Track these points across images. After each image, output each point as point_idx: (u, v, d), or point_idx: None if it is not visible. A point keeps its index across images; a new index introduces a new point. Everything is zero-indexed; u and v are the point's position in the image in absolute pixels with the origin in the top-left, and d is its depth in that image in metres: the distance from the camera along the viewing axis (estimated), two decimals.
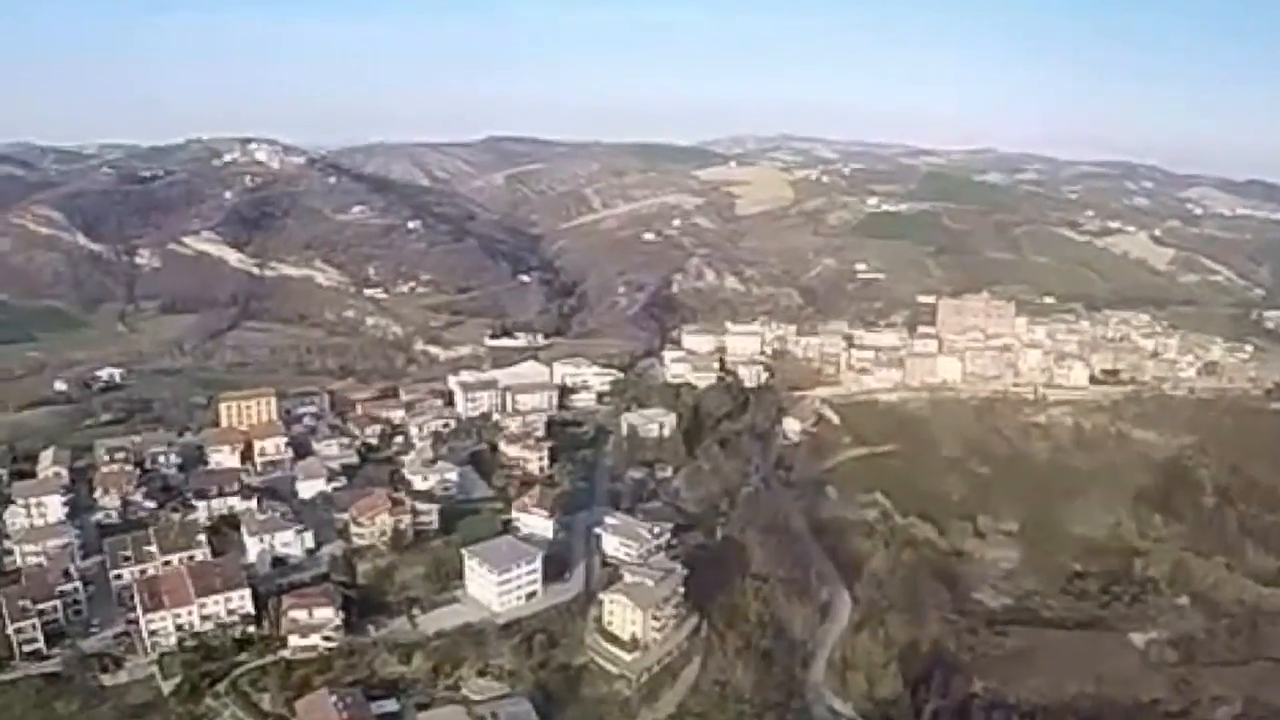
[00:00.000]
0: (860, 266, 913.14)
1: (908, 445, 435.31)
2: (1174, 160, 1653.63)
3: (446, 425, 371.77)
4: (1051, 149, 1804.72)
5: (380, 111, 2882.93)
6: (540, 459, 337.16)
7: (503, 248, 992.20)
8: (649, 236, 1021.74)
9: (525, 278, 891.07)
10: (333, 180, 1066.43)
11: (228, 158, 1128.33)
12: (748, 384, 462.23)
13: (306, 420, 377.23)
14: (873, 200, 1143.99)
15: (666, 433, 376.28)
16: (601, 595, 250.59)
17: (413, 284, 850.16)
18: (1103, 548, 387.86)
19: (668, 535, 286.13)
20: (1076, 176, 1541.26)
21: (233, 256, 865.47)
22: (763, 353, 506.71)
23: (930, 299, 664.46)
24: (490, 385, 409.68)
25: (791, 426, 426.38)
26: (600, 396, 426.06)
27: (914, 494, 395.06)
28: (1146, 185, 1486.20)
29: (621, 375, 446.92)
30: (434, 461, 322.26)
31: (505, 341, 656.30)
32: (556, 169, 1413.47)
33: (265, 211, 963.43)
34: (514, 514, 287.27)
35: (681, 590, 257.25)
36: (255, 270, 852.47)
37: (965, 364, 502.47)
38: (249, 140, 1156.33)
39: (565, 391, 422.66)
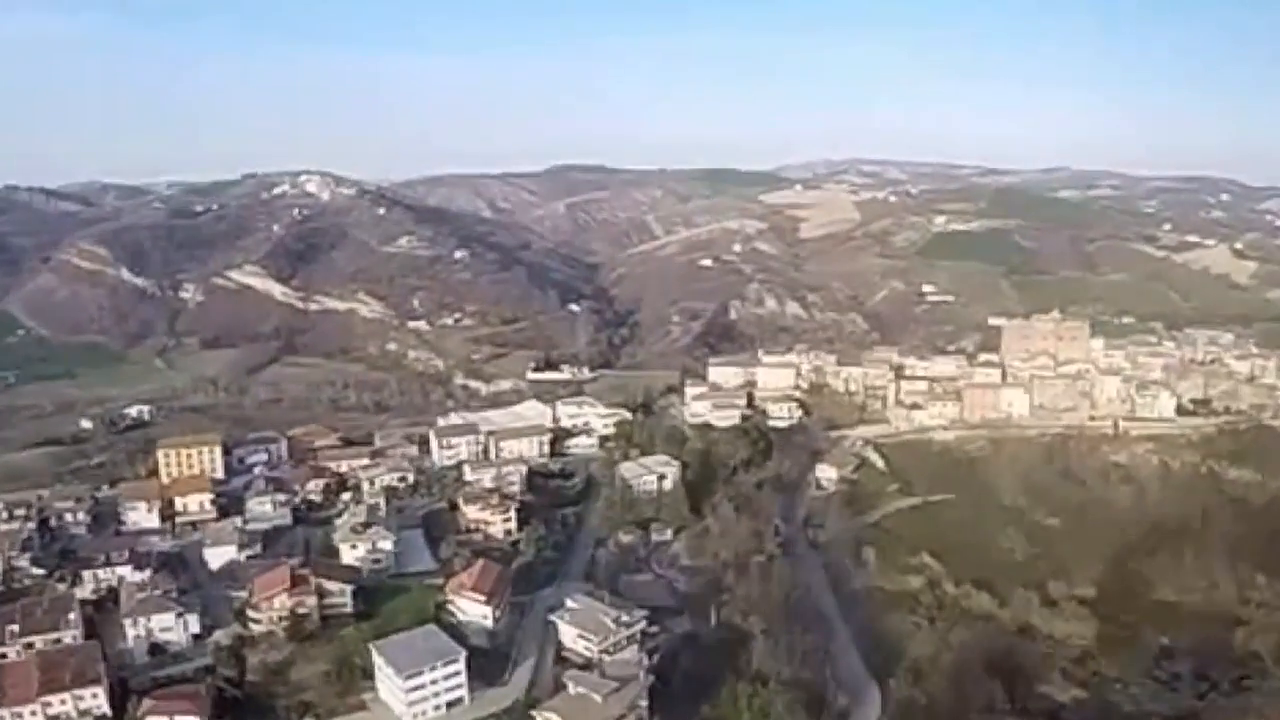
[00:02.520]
0: (928, 288, 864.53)
1: (965, 494, 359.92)
2: (1250, 173, 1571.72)
3: (404, 479, 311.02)
4: (1126, 166, 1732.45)
5: (448, 145, 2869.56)
6: (506, 521, 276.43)
7: (555, 276, 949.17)
8: (706, 262, 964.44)
9: (575, 307, 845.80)
10: (382, 211, 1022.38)
11: (277, 190, 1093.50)
12: (779, 423, 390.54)
13: (258, 470, 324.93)
14: (940, 219, 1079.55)
15: (668, 485, 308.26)
16: (533, 712, 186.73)
17: (458, 315, 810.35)
18: (1197, 616, 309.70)
19: (641, 623, 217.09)
20: (1152, 191, 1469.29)
21: (277, 290, 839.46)
22: (797, 387, 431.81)
23: (1003, 321, 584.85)
24: (470, 430, 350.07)
25: (826, 474, 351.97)
26: (603, 441, 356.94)
27: (970, 554, 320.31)
28: (1224, 198, 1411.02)
29: (630, 416, 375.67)
30: (367, 526, 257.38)
31: (549, 375, 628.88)
32: (620, 197, 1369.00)
33: (311, 244, 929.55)
34: (449, 594, 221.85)
35: (644, 704, 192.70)
36: (299, 303, 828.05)
37: (1033, 395, 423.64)
38: (300, 173, 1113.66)
39: (562, 436, 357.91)
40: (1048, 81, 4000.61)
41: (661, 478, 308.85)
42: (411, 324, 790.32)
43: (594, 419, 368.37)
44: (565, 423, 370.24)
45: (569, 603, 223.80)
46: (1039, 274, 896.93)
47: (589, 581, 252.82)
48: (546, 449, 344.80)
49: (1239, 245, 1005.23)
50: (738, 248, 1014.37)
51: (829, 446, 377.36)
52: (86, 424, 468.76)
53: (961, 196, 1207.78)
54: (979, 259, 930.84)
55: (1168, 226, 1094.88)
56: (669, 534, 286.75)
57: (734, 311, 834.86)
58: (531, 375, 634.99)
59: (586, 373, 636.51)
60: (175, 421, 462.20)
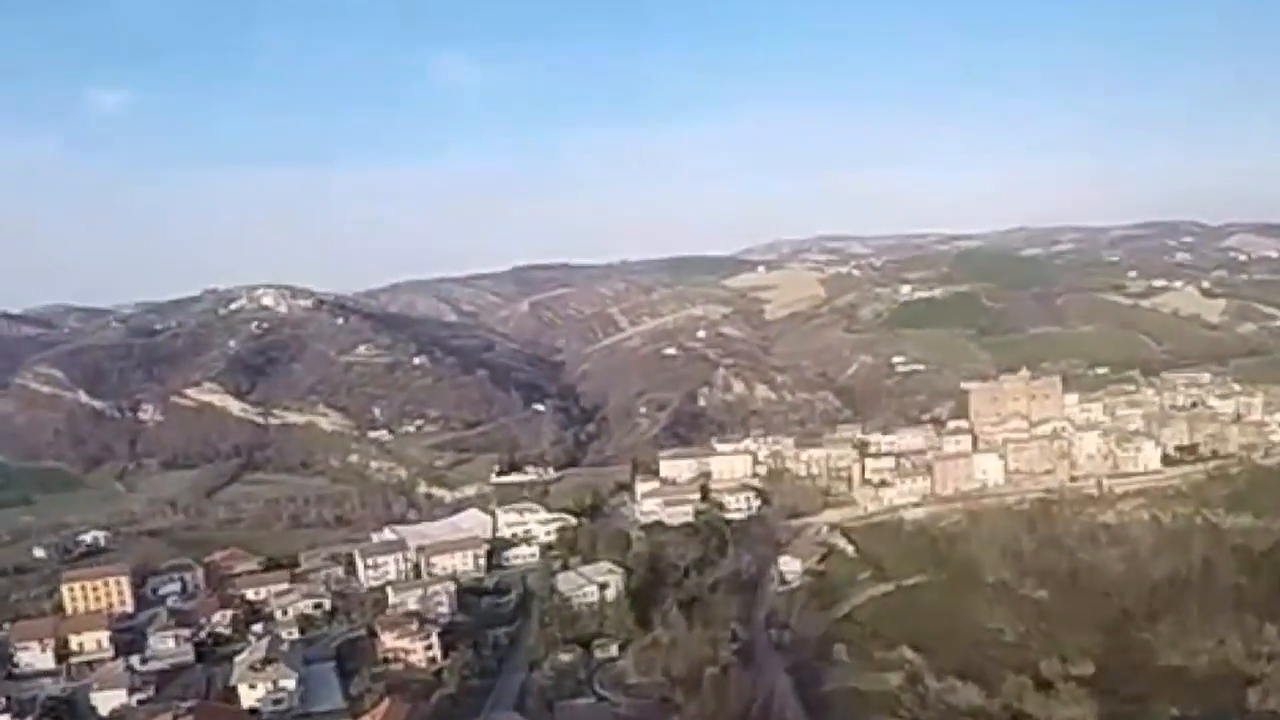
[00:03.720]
0: (898, 359, 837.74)
1: (942, 574, 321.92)
2: (1210, 213, 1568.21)
3: (319, 605, 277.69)
4: (1085, 218, 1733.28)
5: (409, 251, 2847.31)
6: (428, 648, 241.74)
7: (519, 377, 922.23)
8: (671, 351, 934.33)
9: (540, 406, 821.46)
10: (340, 321, 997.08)
11: (235, 305, 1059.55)
12: (737, 515, 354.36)
13: (171, 601, 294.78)
14: (906, 289, 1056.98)
15: (611, 595, 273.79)
16: None
17: (419, 422, 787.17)
18: (1206, 679, 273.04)
19: None
20: (1115, 241, 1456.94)
21: (235, 406, 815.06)
22: (755, 474, 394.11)
23: (973, 385, 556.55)
24: (398, 547, 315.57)
25: (789, 567, 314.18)
26: (544, 550, 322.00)
27: (953, 640, 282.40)
28: (1187, 240, 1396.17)
29: (574, 520, 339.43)
30: (268, 662, 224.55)
31: (513, 477, 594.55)
32: (583, 292, 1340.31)
33: (270, 358, 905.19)
34: None
35: None
36: (258, 419, 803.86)
37: (1008, 460, 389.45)
38: (258, 287, 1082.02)
39: (501, 547, 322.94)
40: (1001, 143, 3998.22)
41: (603, 587, 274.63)
42: (372, 434, 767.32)
43: (535, 526, 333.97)
44: (506, 531, 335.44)
45: None
46: (1008, 333, 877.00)
47: (519, 711, 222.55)
48: (483, 562, 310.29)
49: (1206, 284, 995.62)
50: (702, 334, 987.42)
51: (791, 536, 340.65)
52: (40, 552, 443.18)
53: (924, 264, 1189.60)
54: (946, 325, 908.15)
55: (1133, 273, 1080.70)
56: (614, 650, 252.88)
57: (702, 399, 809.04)
58: (495, 479, 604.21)
59: (551, 473, 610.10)
60: (131, 546, 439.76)
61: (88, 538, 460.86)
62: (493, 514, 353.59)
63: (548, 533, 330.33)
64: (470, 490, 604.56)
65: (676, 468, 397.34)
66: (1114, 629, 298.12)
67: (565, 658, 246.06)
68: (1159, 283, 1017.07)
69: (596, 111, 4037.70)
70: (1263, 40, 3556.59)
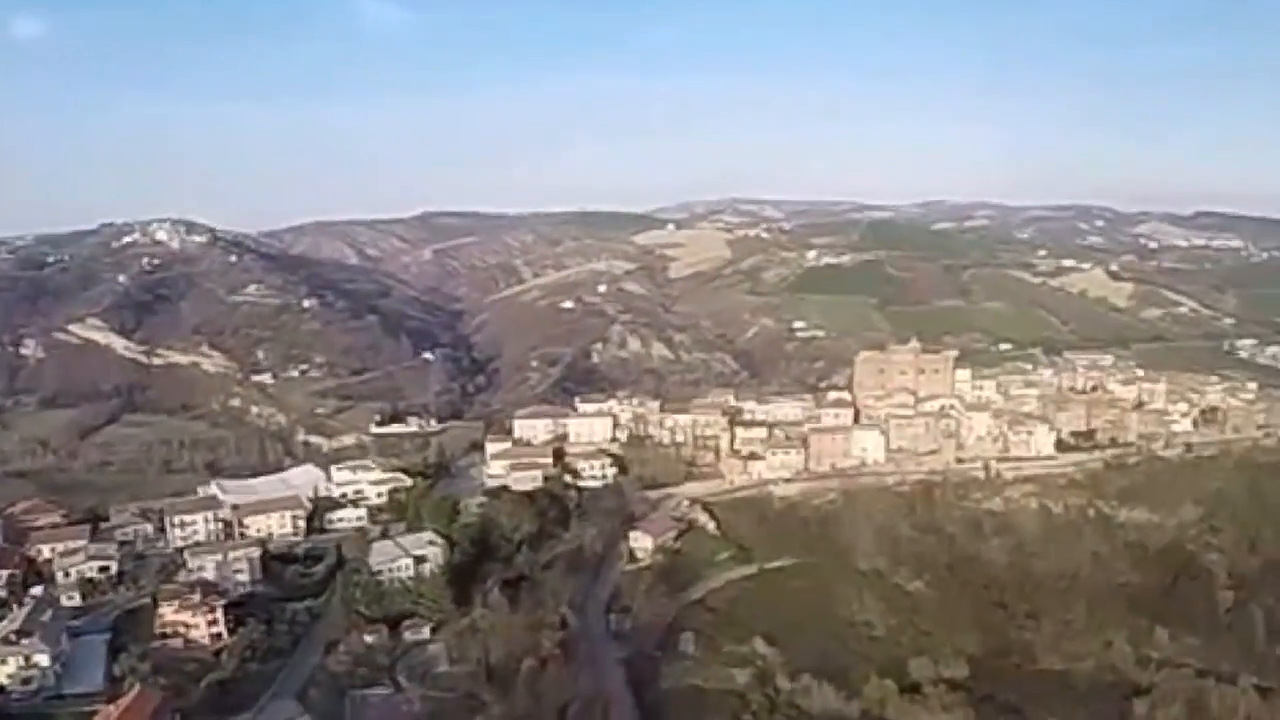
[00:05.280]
0: (798, 324, 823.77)
1: (811, 558, 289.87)
2: (1123, 200, 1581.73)
3: (105, 569, 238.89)
4: (1002, 197, 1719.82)
5: (320, 193, 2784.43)
6: (211, 623, 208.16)
7: (412, 324, 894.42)
8: (568, 305, 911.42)
9: (429, 356, 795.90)
10: (232, 259, 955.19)
11: (127, 239, 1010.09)
12: (592, 484, 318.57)
13: None
14: (812, 254, 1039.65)
15: (433, 569, 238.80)
16: None
17: (304, 367, 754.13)
18: (1091, 687, 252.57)
19: None
20: (1028, 220, 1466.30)
21: (119, 344, 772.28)
22: (615, 439, 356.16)
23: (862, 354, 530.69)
24: (209, 505, 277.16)
25: (641, 543, 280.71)
26: (372, 513, 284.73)
27: (815, 634, 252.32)
28: (1099, 224, 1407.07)
29: (408, 482, 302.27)
30: (21, 635, 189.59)
31: (394, 428, 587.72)
32: (490, 241, 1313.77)
33: (158, 295, 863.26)
34: None
35: None
36: (142, 358, 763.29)
37: (890, 437, 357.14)
38: (150, 221, 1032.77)
39: (328, 508, 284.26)
40: (923, 117, 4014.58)
41: (420, 560, 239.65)
42: (255, 377, 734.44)
43: (367, 487, 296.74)
44: (337, 491, 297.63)
45: None
46: (913, 305, 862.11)
47: (301, 701, 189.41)
48: (302, 525, 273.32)
49: (1115, 267, 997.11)
50: (603, 289, 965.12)
51: (648, 509, 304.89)
52: None
53: (834, 231, 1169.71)
54: (851, 292, 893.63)
55: (1043, 252, 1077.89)
56: (425, 632, 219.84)
57: (596, 355, 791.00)
58: (375, 429, 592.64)
59: (434, 424, 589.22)
60: None
61: None
62: (326, 470, 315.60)
63: (379, 494, 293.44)
64: (349, 440, 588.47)
65: (532, 428, 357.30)
66: (993, 627, 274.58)
67: (369, 639, 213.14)
68: (1068, 263, 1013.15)
69: (517, 61, 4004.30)
70: (1194, 43, 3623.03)
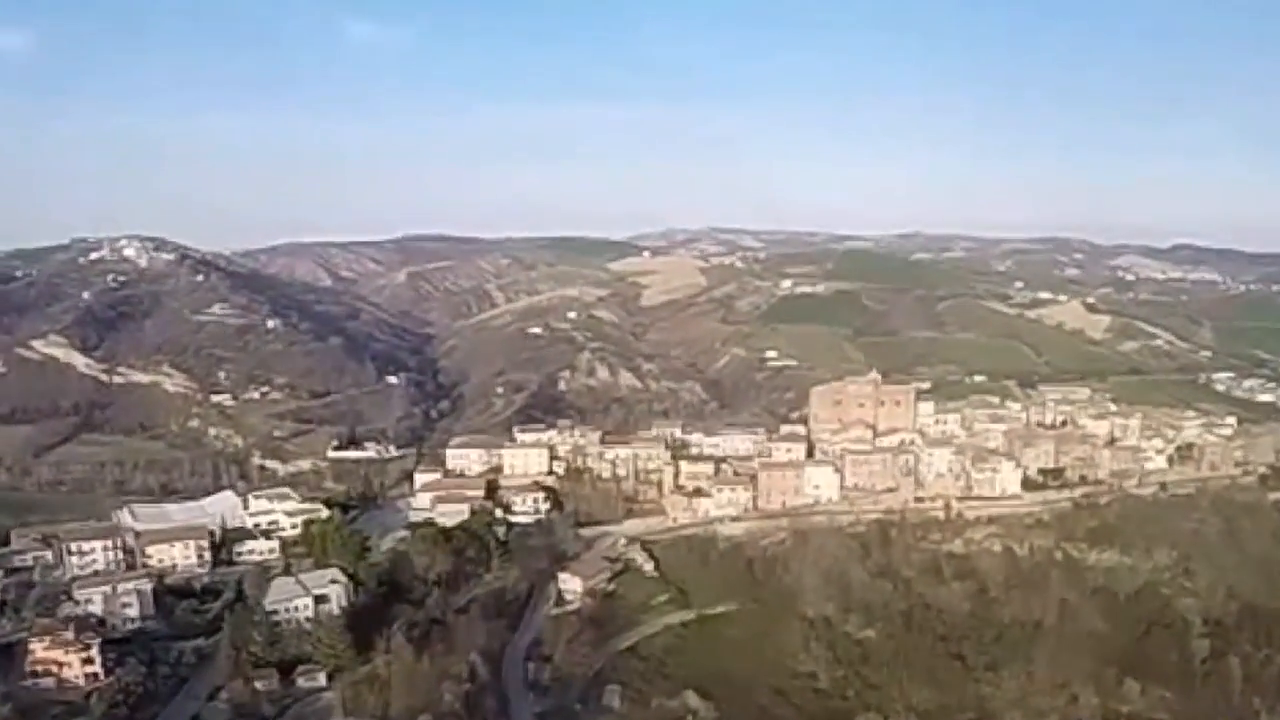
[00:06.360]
0: (770, 353, 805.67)
1: (754, 603, 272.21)
2: (1102, 234, 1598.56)
3: None
4: (980, 229, 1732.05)
5: (296, 214, 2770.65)
6: (86, 663, 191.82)
7: (379, 348, 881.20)
8: (536, 330, 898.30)
9: (394, 379, 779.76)
10: (200, 278, 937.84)
11: (95, 255, 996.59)
12: (521, 520, 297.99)
13: None
14: (786, 283, 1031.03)
15: (332, 610, 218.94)
16: None
17: (265, 389, 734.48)
18: None
19: None
20: (1006, 252, 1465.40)
21: (80, 361, 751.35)
22: (551, 472, 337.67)
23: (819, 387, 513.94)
24: (111, 533, 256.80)
25: (570, 586, 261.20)
26: (285, 546, 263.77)
27: (755, 686, 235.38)
28: (1077, 257, 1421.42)
29: (325, 513, 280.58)
30: None
31: (351, 453, 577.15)
32: (464, 265, 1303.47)
33: (122, 312, 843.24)
34: None
35: None
36: (102, 376, 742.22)
37: (845, 474, 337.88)
38: (119, 238, 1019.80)
39: (238, 539, 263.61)
40: (904, 149, 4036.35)
41: (320, 600, 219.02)
42: (215, 398, 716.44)
43: (282, 517, 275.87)
44: (253, 521, 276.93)
45: None
46: (887, 335, 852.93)
47: None
48: (207, 556, 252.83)
49: (1091, 300, 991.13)
50: (573, 315, 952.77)
51: (581, 548, 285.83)
52: None
53: (809, 260, 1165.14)
54: (824, 322, 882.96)
55: (1020, 284, 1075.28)
56: (321, 679, 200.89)
57: (563, 382, 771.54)
58: (332, 454, 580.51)
59: (393, 450, 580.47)
60: None
61: None
62: (245, 498, 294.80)
63: (293, 525, 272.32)
64: (305, 464, 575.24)
65: (465, 458, 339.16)
66: (949, 680, 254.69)
67: (259, 685, 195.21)
68: (1045, 295, 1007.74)
69: (496, 87, 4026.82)
70: (1175, 78, 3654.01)
